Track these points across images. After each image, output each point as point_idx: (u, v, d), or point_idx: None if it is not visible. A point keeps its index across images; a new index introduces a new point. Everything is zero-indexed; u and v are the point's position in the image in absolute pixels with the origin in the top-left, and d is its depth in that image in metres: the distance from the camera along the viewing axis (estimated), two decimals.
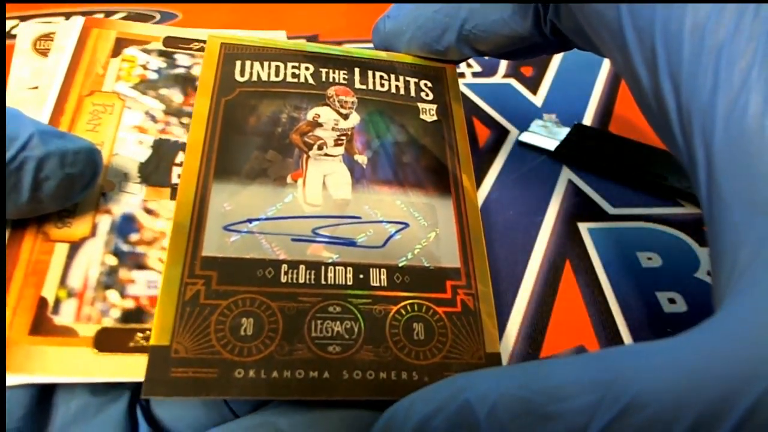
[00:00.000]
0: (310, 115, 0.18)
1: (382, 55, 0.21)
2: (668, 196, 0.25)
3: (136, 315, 0.14)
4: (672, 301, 0.21)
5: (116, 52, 0.18)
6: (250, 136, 0.17)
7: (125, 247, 0.15)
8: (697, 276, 0.21)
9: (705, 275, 0.21)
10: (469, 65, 0.34)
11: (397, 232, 0.17)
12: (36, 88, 0.17)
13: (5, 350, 0.13)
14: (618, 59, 0.14)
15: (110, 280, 0.14)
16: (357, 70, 0.20)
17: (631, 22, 0.12)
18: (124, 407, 0.14)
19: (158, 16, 0.38)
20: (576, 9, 0.14)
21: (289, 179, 0.17)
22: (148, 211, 0.15)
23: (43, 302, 0.14)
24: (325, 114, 0.18)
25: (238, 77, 0.18)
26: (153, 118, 0.17)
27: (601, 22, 0.13)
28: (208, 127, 0.17)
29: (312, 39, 0.36)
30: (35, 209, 0.14)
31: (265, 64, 0.19)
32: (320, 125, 0.18)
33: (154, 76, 0.18)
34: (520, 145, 0.27)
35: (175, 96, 0.18)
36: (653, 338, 0.19)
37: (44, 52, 0.18)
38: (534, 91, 0.31)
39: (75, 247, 0.14)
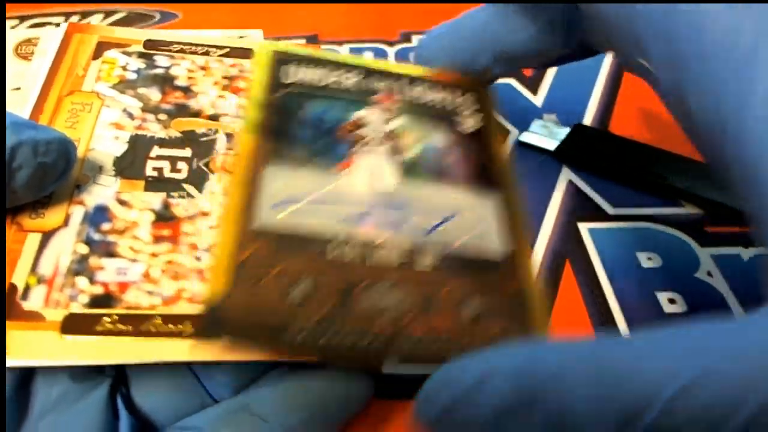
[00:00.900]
0: (355, 116, 0.19)
1: (421, 70, 0.21)
2: (668, 196, 0.25)
3: (104, 300, 0.14)
4: (672, 301, 0.21)
5: (97, 54, 0.18)
6: (300, 127, 0.18)
7: (96, 236, 0.15)
8: (697, 276, 0.21)
9: (705, 275, 0.21)
10: None
11: (444, 221, 0.17)
12: (18, 89, 0.18)
13: (5, 346, 0.13)
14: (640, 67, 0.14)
15: (80, 267, 0.15)
16: (399, 81, 0.21)
17: (651, 35, 0.12)
18: (105, 395, 0.14)
19: (158, 16, 0.38)
20: (598, 31, 0.14)
21: (337, 169, 0.17)
22: (122, 202, 0.16)
23: (12, 288, 0.14)
24: (370, 116, 0.19)
25: (288, 79, 0.19)
26: (130, 116, 0.17)
27: (620, 37, 0.13)
28: (262, 115, 0.18)
29: (312, 39, 0.36)
30: (9, 199, 0.14)
31: (312, 70, 0.20)
32: (365, 125, 0.19)
33: (133, 76, 0.18)
34: (520, 145, 0.28)
35: (153, 94, 0.18)
36: None
37: (26, 56, 0.19)
38: (534, 91, 0.31)
39: (47, 236, 0.15)
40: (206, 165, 0.17)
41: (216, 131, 0.18)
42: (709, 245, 0.23)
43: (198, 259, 0.15)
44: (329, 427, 0.15)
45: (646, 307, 0.20)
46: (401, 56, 0.35)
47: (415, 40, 0.36)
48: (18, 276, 0.14)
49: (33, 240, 0.15)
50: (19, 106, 0.17)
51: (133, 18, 0.38)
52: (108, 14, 0.38)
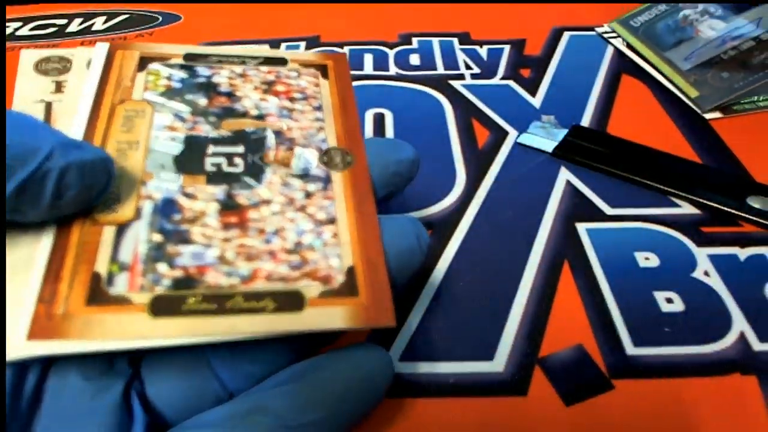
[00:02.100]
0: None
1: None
2: (665, 197, 0.25)
3: (186, 282, 0.15)
4: (669, 300, 0.21)
5: (141, 67, 0.20)
6: None
7: (169, 226, 0.16)
8: (694, 276, 0.22)
9: (702, 275, 0.22)
10: (468, 67, 0.34)
11: None
12: (42, 101, 0.19)
13: (5, 348, 0.13)
14: None
15: (158, 254, 0.15)
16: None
17: None
18: (119, 394, 0.14)
19: (160, 18, 0.38)
20: None
21: None
22: (187, 195, 0.17)
23: (96, 276, 0.14)
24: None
25: None
26: (182, 119, 0.18)
27: None
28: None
29: (313, 41, 0.36)
30: (54, 214, 0.14)
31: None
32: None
33: (178, 85, 0.19)
34: (519, 146, 0.28)
35: (200, 100, 0.19)
36: (651, 338, 0.20)
37: (45, 72, 0.20)
38: (533, 93, 0.32)
39: (122, 228, 0.15)
40: (261, 159, 0.18)
41: (264, 129, 0.19)
42: (706, 245, 0.23)
43: (268, 242, 0.16)
44: (345, 427, 0.15)
45: (643, 306, 0.21)
46: (400, 57, 0.35)
47: (415, 41, 0.36)
48: (100, 265, 0.15)
49: (109, 232, 0.15)
50: (67, 116, 0.18)
51: (136, 20, 0.38)
52: (110, 16, 0.38)
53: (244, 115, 0.19)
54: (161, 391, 0.15)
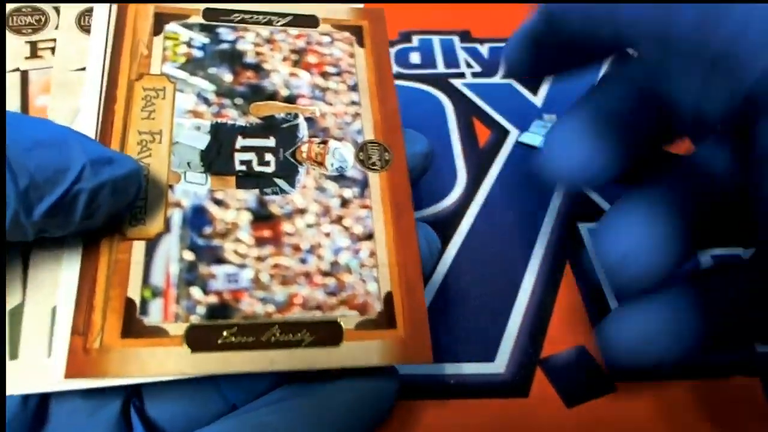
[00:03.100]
0: None
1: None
2: None
3: (221, 310, 0.14)
4: None
5: (157, 29, 0.17)
6: None
7: (200, 241, 0.15)
8: None
9: None
10: (469, 65, 0.34)
11: None
12: (17, 70, 0.16)
13: (5, 351, 0.13)
14: None
15: (191, 276, 0.14)
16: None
17: None
18: (117, 410, 0.14)
19: None
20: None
21: None
22: (217, 202, 0.15)
23: (130, 304, 0.14)
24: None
25: None
26: (206, 101, 0.17)
27: None
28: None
29: None
30: (80, 230, 0.14)
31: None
32: None
33: (199, 53, 0.17)
34: (521, 145, 0.28)
35: (225, 75, 0.17)
36: None
37: (18, 30, 0.17)
38: (534, 92, 0.31)
39: (152, 244, 0.15)
40: (293, 155, 0.17)
41: (295, 116, 0.17)
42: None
43: (303, 261, 0.15)
44: None
45: None
46: (401, 56, 0.35)
47: (415, 39, 0.36)
48: (133, 289, 0.14)
49: (138, 249, 0.14)
50: (68, 92, 0.16)
51: None
52: None
53: (274, 95, 0.17)
54: (161, 405, 0.15)
